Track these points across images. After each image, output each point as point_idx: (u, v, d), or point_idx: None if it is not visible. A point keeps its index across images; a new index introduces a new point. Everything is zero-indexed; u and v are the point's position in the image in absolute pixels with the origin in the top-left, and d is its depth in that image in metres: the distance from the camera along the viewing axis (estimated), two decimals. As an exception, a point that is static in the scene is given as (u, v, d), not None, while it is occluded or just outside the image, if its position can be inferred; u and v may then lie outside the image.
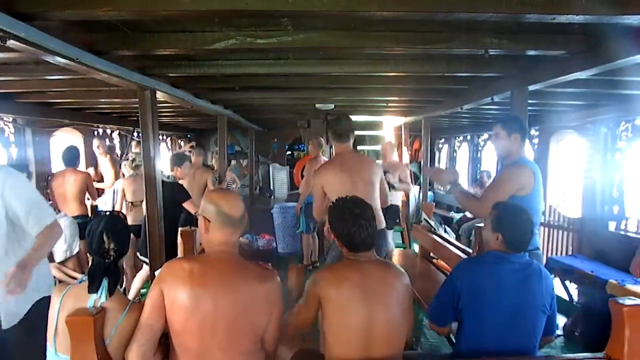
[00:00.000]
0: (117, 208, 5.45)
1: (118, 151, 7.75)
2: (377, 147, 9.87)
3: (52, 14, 2.29)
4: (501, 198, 2.83)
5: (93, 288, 1.96)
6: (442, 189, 8.73)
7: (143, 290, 5.02)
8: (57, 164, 6.15)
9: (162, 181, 5.07)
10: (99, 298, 1.95)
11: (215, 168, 7.73)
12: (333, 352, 2.13)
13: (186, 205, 4.82)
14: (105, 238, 2.02)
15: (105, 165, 6.89)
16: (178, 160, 5.14)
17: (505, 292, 2.24)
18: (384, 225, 3.58)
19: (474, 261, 2.80)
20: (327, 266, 2.49)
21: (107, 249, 2.02)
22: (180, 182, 5.08)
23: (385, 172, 4.02)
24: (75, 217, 4.78)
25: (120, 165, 6.08)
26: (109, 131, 8.31)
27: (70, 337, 1.87)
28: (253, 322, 1.93)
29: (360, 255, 2.24)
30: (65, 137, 7.11)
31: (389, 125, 9.45)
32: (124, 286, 5.27)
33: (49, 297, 2.07)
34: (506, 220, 2.34)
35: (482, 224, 4.70)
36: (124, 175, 5.77)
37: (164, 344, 1.96)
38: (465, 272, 2.41)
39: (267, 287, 1.95)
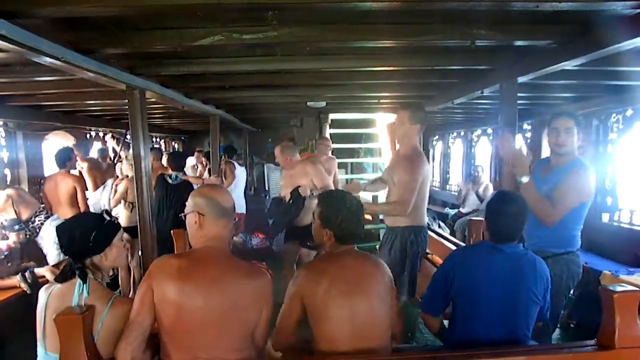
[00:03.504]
0: (111, 206, 5.36)
1: (111, 153, 7.71)
2: (373, 145, 9.87)
3: (35, 11, 2.25)
4: (572, 206, 2.82)
5: (60, 277, 2.03)
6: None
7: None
8: (49, 167, 6.12)
9: (170, 184, 5.18)
10: (82, 294, 1.95)
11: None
12: (320, 346, 2.12)
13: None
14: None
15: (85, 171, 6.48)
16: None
17: (496, 282, 2.23)
18: None
19: (467, 250, 2.79)
20: (306, 263, 2.49)
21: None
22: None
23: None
24: (68, 220, 4.73)
25: (115, 166, 6.03)
26: (101, 134, 8.27)
27: (59, 336, 1.84)
28: (243, 319, 1.92)
29: (343, 247, 2.25)
30: (57, 140, 7.08)
31: (383, 122, 9.43)
32: (119, 289, 5.23)
33: None
34: (490, 208, 2.33)
35: (476, 218, 4.68)
36: (117, 177, 5.71)
37: (154, 341, 1.94)
38: (458, 260, 2.40)
39: (256, 284, 1.95)
